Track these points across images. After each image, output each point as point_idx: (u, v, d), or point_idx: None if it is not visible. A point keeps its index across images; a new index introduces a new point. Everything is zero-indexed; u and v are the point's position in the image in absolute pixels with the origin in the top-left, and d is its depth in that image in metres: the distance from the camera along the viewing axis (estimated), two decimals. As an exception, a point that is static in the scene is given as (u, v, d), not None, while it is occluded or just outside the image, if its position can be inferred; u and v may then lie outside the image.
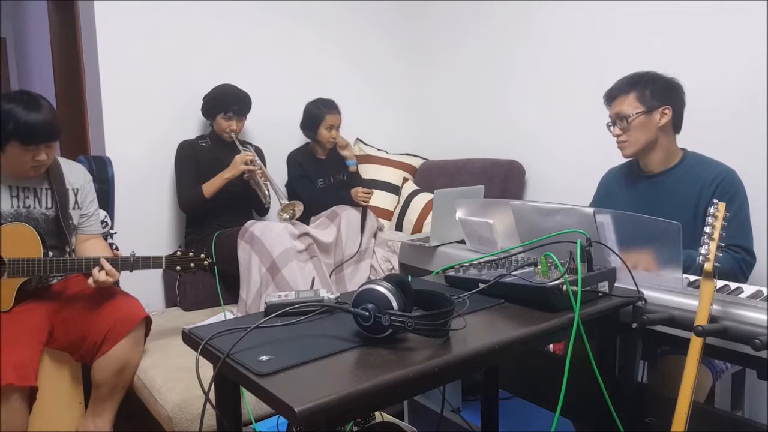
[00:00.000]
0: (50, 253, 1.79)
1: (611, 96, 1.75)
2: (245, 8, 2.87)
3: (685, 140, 1.75)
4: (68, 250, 1.89)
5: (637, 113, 1.67)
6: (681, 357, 1.10)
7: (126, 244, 2.11)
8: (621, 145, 1.73)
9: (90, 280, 1.76)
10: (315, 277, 2.25)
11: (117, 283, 2.26)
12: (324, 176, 2.80)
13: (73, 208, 1.93)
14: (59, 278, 1.95)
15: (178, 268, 1.88)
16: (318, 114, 2.73)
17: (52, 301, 1.87)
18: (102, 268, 1.75)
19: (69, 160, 2.03)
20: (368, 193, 2.64)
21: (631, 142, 1.70)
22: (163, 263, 1.86)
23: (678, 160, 1.71)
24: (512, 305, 1.16)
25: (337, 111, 2.76)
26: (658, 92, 1.67)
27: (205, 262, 1.91)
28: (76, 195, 1.94)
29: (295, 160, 2.79)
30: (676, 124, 1.70)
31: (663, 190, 1.70)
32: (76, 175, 1.97)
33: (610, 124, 1.76)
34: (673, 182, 1.68)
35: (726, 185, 1.59)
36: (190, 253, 1.90)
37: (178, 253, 1.89)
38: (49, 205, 1.87)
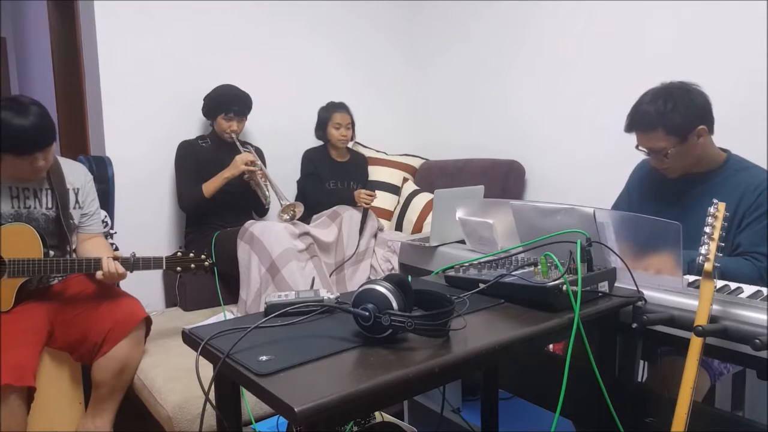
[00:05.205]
0: (51, 253, 1.79)
1: (635, 129, 1.59)
2: (245, 9, 2.87)
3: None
4: (69, 249, 1.89)
5: (673, 148, 1.53)
6: (681, 357, 1.10)
7: (126, 244, 2.11)
8: (664, 171, 1.62)
9: (99, 274, 1.75)
10: (315, 277, 2.25)
11: (117, 283, 2.27)
12: (337, 179, 2.82)
13: (74, 208, 1.93)
14: (60, 278, 1.95)
15: (179, 269, 1.88)
16: (325, 115, 2.80)
17: (53, 302, 1.86)
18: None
19: (69, 159, 2.02)
20: (371, 196, 2.64)
21: (674, 168, 1.59)
22: (164, 264, 1.86)
23: (721, 162, 1.59)
24: (512, 305, 1.16)
25: (345, 110, 2.81)
26: (688, 117, 1.52)
27: (206, 263, 1.91)
28: (76, 195, 1.94)
29: (308, 157, 2.82)
30: (710, 131, 1.58)
31: (702, 193, 1.58)
32: (76, 174, 1.96)
33: (641, 148, 1.61)
34: (714, 186, 1.57)
35: None
36: (191, 254, 1.90)
37: (179, 253, 1.89)
38: (50, 205, 1.86)
